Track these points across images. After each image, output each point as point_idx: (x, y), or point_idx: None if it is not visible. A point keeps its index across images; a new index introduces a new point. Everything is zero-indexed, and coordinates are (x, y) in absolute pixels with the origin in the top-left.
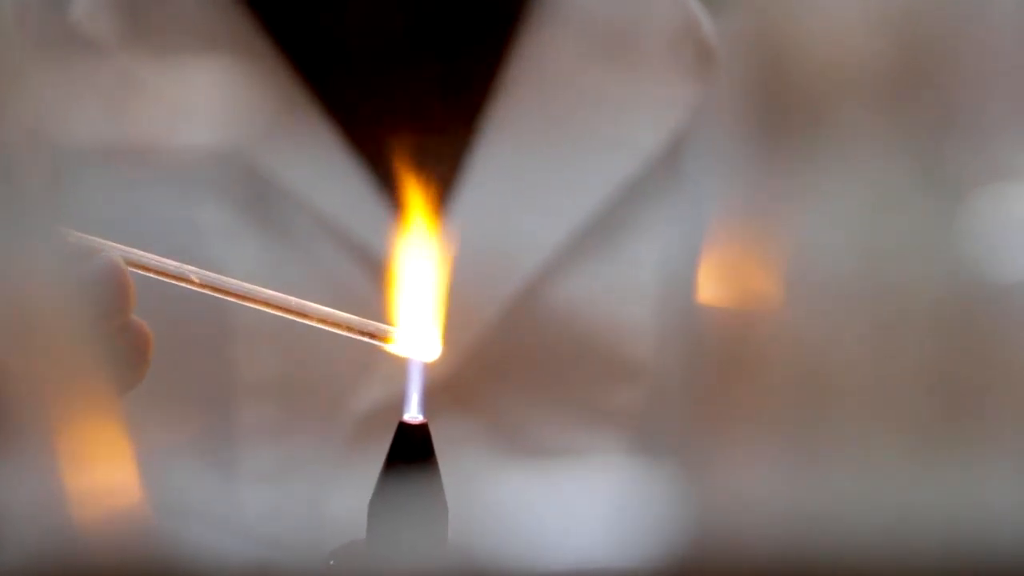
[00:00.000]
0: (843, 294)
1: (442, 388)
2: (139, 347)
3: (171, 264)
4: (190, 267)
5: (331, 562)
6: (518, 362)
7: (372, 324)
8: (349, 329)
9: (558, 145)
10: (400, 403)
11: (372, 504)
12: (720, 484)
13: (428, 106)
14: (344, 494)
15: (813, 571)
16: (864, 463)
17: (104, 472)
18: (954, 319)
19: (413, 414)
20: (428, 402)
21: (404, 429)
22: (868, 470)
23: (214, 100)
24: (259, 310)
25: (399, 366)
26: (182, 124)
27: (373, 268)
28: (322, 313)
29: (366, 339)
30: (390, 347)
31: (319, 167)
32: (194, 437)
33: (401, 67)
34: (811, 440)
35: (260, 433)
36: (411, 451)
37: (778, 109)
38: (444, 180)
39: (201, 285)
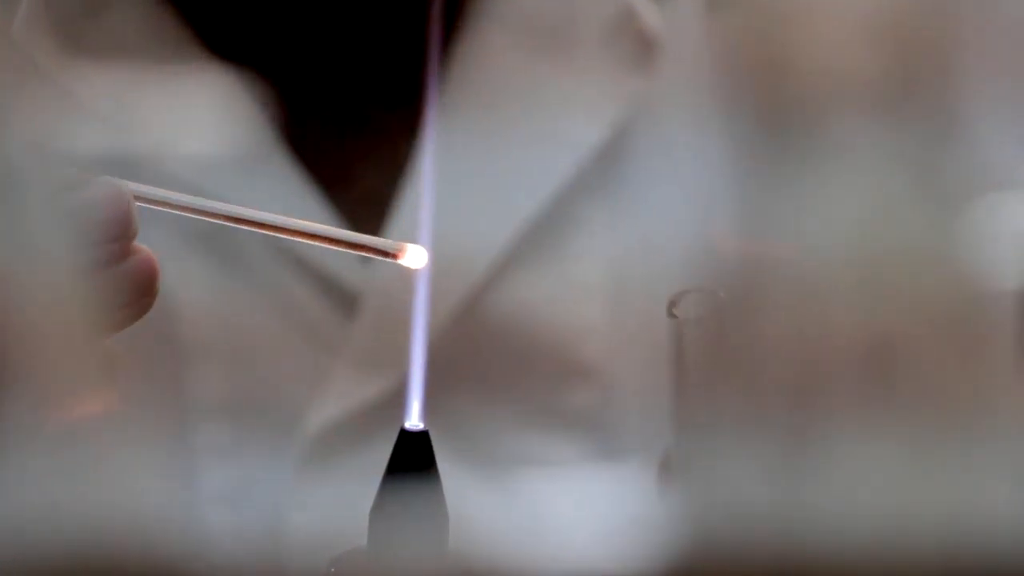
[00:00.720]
0: (838, 300)
1: (393, 398)
2: (143, 276)
3: (177, 196)
4: (195, 198)
5: (332, 570)
6: (469, 368)
7: (375, 240)
8: (352, 246)
9: (499, 146)
10: (354, 421)
11: (373, 512)
12: (710, 488)
13: (370, 113)
14: (302, 513)
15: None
16: (858, 469)
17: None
18: (950, 327)
19: (414, 422)
20: (379, 414)
21: (405, 437)
22: (862, 476)
23: (159, 125)
24: (211, 331)
25: (351, 383)
26: (128, 146)
27: (328, 293)
28: (323, 231)
29: (370, 255)
30: (396, 260)
31: (269, 188)
32: (149, 457)
33: (341, 75)
34: (804, 446)
35: (215, 454)
36: (412, 459)
37: (774, 116)
38: (387, 186)
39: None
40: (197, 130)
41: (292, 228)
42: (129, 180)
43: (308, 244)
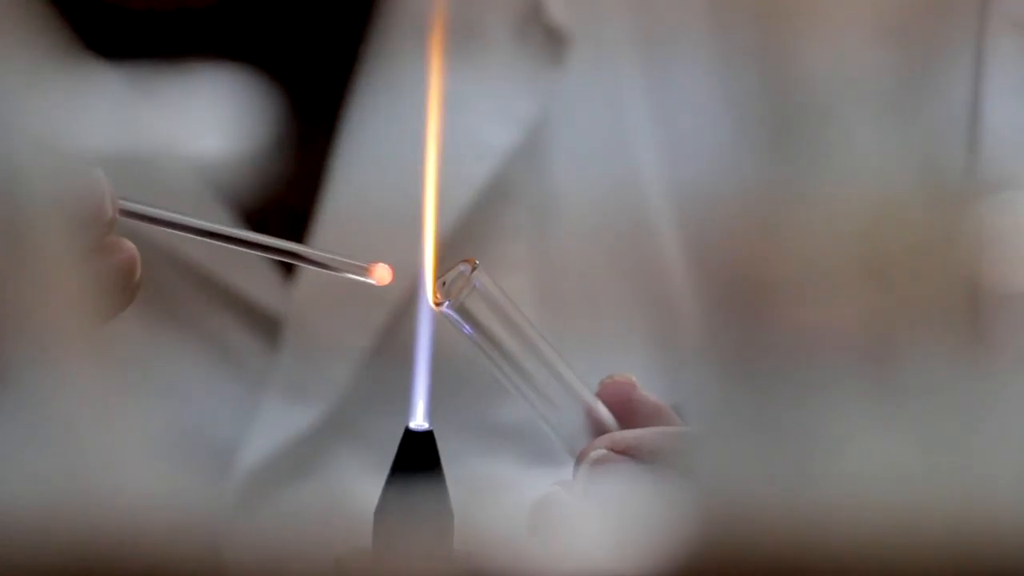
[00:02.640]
0: (844, 298)
1: (329, 424)
2: (123, 267)
3: (163, 212)
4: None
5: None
6: (398, 386)
7: (345, 260)
8: (322, 266)
9: (413, 155)
10: (286, 453)
11: (378, 512)
12: (716, 487)
13: (281, 131)
14: (239, 547)
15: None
16: (862, 464)
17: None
18: (957, 326)
19: (419, 422)
20: (310, 445)
21: (410, 437)
22: (866, 471)
23: (165, 124)
24: (140, 367)
25: (280, 415)
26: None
27: (250, 321)
28: (294, 249)
29: (346, 274)
30: (367, 279)
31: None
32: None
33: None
34: (808, 440)
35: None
36: (417, 459)
37: (782, 117)
38: (304, 203)
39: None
40: (205, 127)
41: (266, 244)
42: (136, 179)
43: (229, 270)
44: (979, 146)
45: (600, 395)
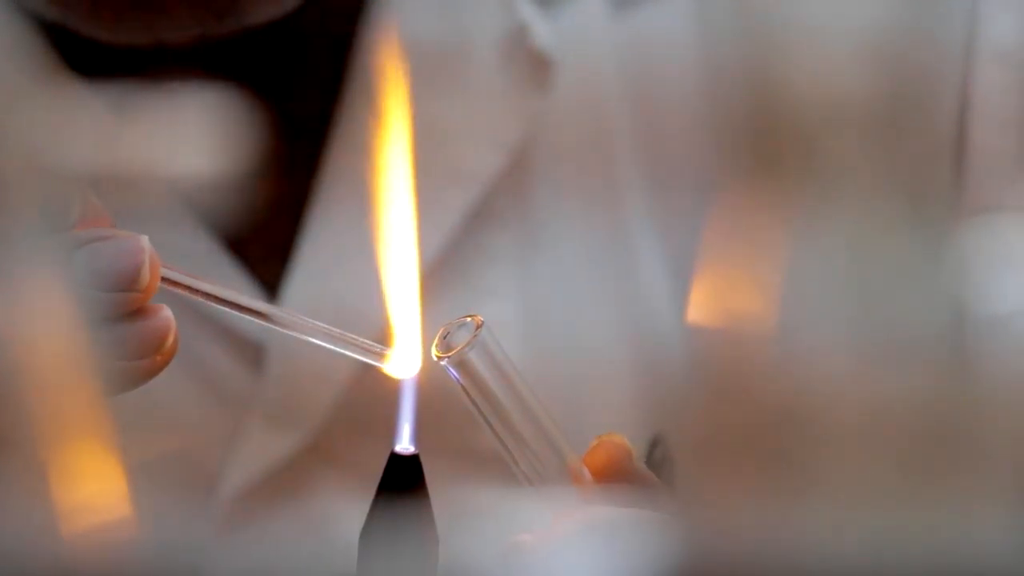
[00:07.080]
0: (831, 327)
1: (312, 450)
2: (156, 332)
3: (195, 281)
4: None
5: None
6: (379, 414)
7: (367, 343)
8: (346, 344)
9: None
10: (269, 479)
11: (363, 536)
12: (704, 516)
13: (265, 155)
14: (222, 574)
15: None
16: (850, 498)
17: (91, 483)
18: (942, 351)
19: (404, 445)
20: (293, 471)
21: (395, 460)
22: (854, 505)
23: (150, 142)
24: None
25: (263, 441)
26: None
27: (234, 347)
28: (320, 330)
29: (363, 358)
30: (384, 366)
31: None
32: None
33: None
34: (796, 474)
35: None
36: (402, 482)
37: (767, 143)
38: (287, 230)
39: (199, 294)
40: (188, 149)
41: (303, 325)
42: (118, 201)
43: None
44: (964, 171)
45: (591, 455)
